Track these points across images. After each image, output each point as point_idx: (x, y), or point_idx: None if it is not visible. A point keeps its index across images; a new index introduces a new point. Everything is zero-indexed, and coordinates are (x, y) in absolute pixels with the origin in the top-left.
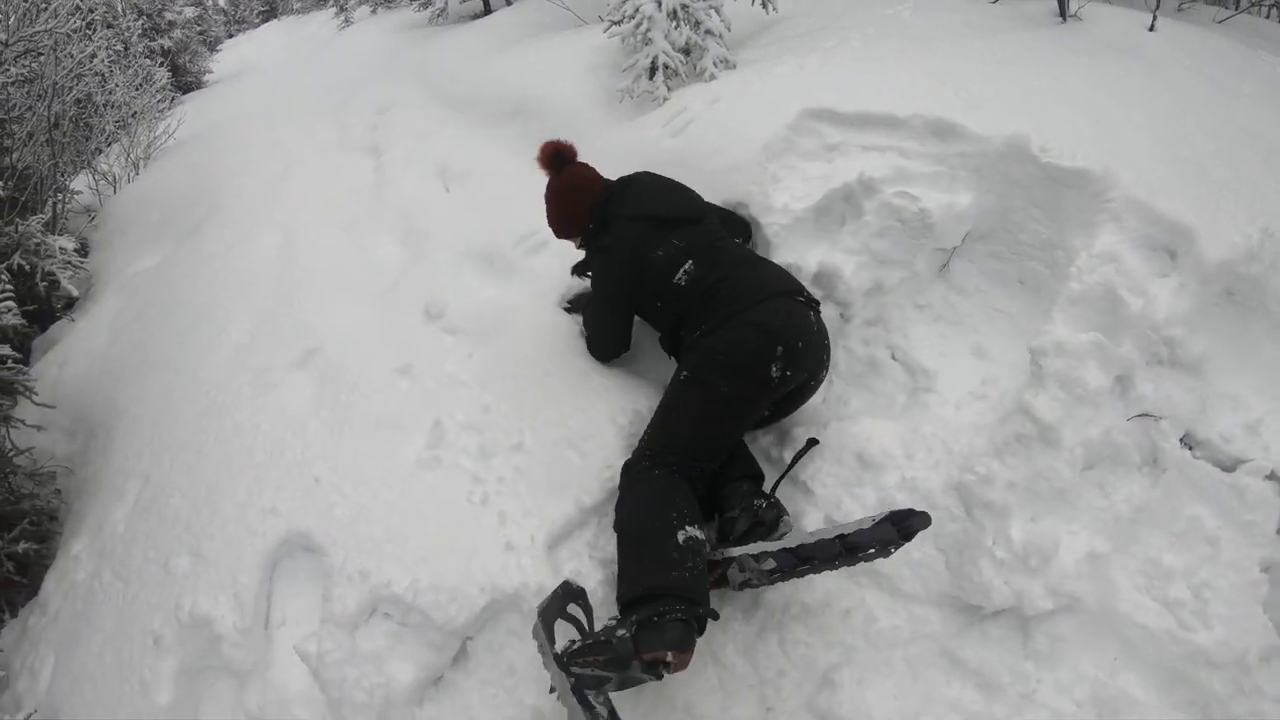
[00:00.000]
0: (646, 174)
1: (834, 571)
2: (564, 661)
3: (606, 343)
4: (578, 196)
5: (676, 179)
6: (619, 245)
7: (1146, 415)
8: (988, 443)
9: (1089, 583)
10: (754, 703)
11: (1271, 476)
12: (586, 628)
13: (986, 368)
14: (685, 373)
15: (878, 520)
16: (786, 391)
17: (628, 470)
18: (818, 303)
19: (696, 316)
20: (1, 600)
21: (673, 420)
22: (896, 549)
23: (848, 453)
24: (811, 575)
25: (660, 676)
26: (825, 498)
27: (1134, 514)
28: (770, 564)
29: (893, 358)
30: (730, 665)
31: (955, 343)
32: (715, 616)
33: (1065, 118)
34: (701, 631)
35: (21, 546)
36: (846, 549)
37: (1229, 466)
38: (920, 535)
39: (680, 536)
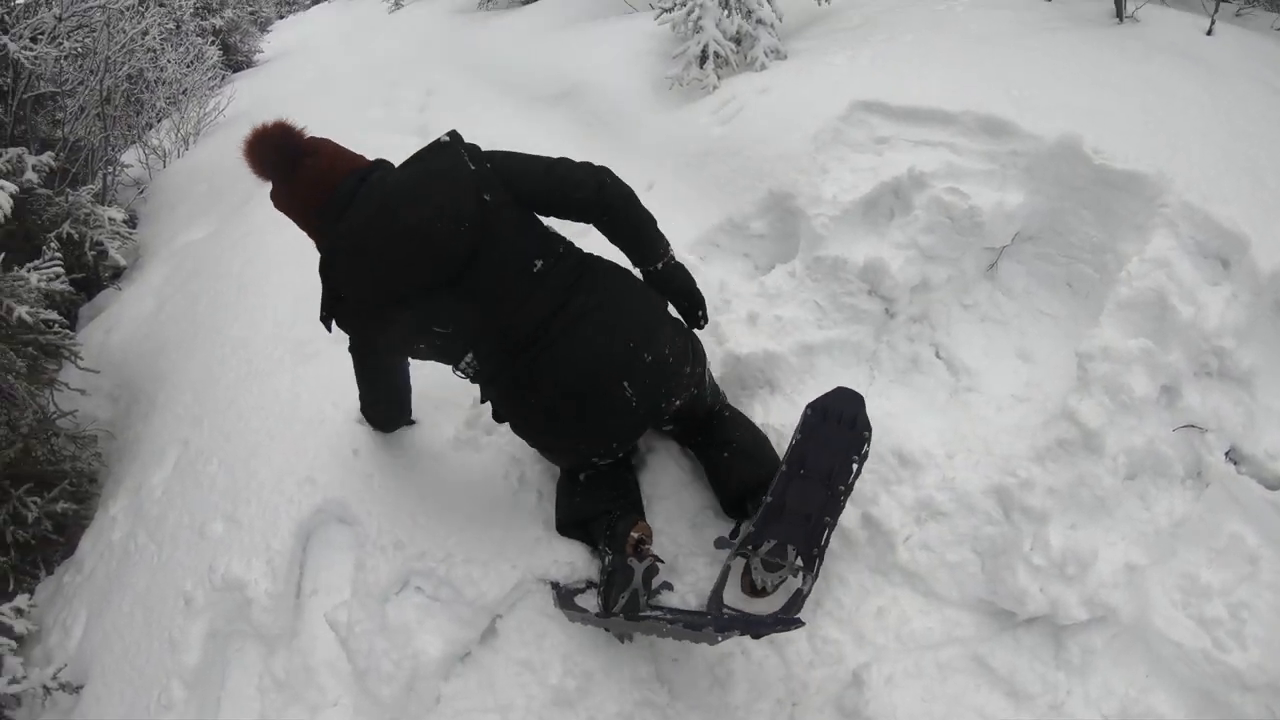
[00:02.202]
0: (377, 197)
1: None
2: (609, 612)
3: (374, 405)
4: (298, 218)
5: (723, 168)
6: (353, 330)
7: (1192, 427)
8: (1029, 446)
9: (1125, 595)
10: (780, 695)
11: None
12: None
13: (1031, 370)
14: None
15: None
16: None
17: None
18: (647, 350)
19: (507, 414)
20: (38, 558)
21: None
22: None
23: (887, 449)
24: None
25: (644, 555)
26: (862, 493)
27: (1174, 527)
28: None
29: (936, 355)
30: (759, 660)
31: (1000, 343)
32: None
33: (1119, 119)
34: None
35: (60, 506)
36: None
37: (1274, 484)
38: (956, 538)
39: (581, 476)
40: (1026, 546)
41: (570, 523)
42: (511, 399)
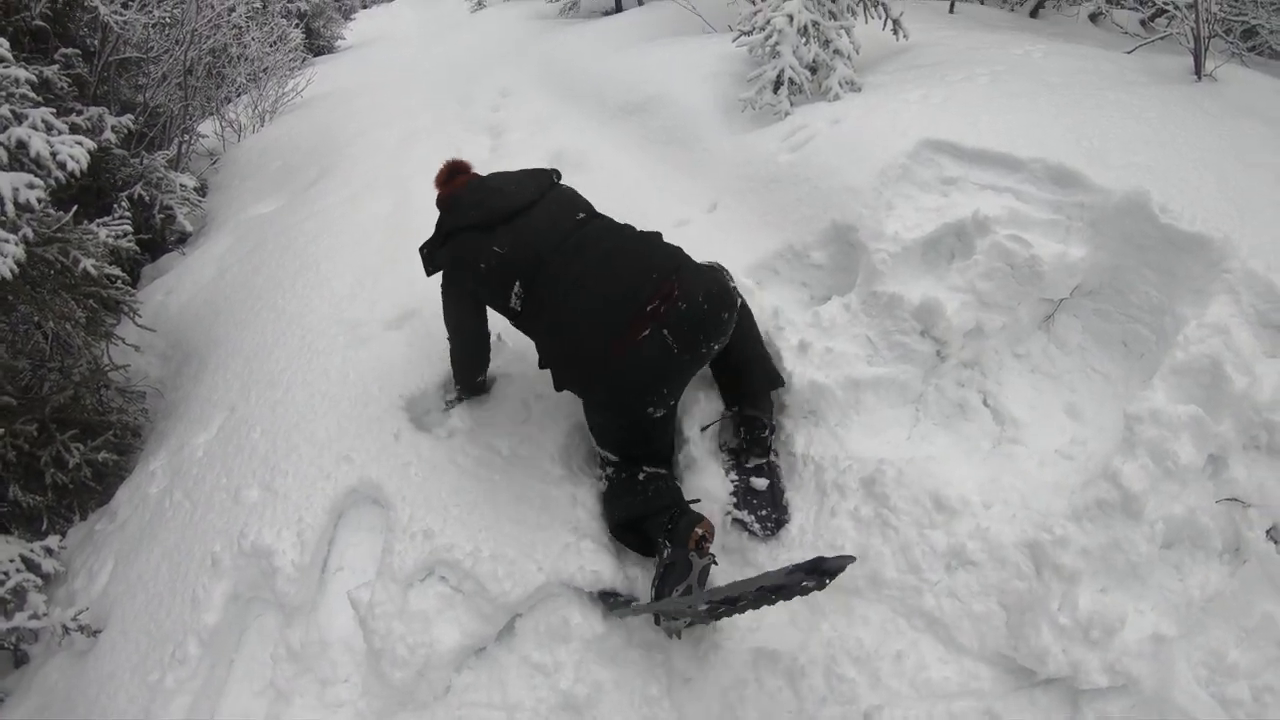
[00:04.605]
0: (485, 178)
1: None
2: (665, 602)
3: (467, 352)
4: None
5: (788, 195)
6: (450, 256)
7: (1235, 500)
8: (1068, 504)
9: (1149, 665)
10: None
11: None
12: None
13: (1077, 428)
14: (586, 415)
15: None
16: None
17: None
18: (667, 282)
19: (552, 358)
20: (74, 502)
21: (602, 441)
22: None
23: (924, 492)
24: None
25: (704, 551)
26: (896, 535)
27: (1206, 602)
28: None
29: (984, 403)
30: (772, 691)
31: (1049, 397)
32: (696, 500)
33: (1190, 179)
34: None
35: (101, 455)
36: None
37: None
38: (983, 589)
39: (640, 475)
40: (1054, 605)
41: (627, 520)
42: (552, 326)
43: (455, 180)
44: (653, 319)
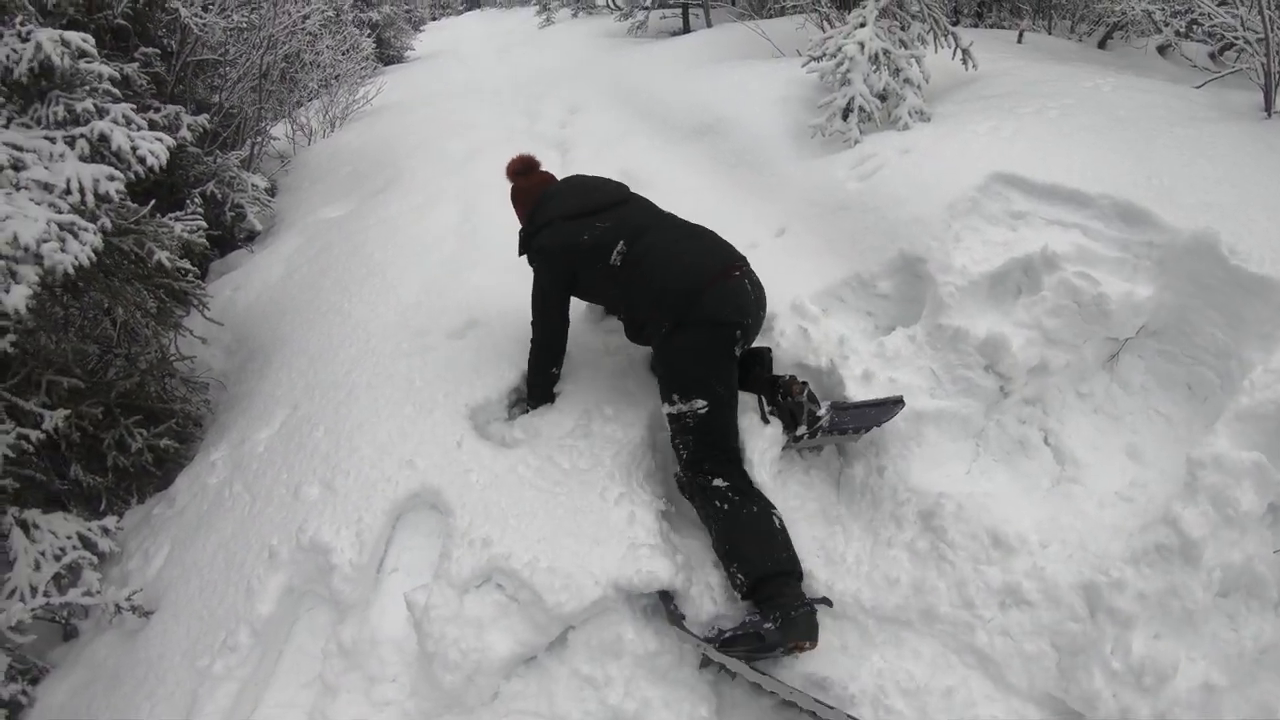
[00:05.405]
0: (574, 177)
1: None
2: (719, 648)
3: (549, 340)
4: (520, 204)
5: (856, 223)
6: (548, 243)
7: None
8: (1126, 547)
9: (1197, 716)
10: None
11: None
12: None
13: (1138, 470)
14: (664, 359)
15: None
16: None
17: (695, 486)
18: (744, 259)
19: (647, 306)
20: (133, 485)
21: (678, 383)
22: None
23: (982, 528)
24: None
25: (795, 656)
26: (952, 570)
27: (1259, 653)
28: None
29: (1045, 441)
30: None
31: (1111, 438)
32: (829, 604)
33: (1259, 220)
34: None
35: (164, 442)
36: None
37: None
38: (1036, 629)
39: (775, 519)
40: (1107, 649)
41: (775, 573)
42: (663, 263)
43: (532, 176)
44: (738, 269)
